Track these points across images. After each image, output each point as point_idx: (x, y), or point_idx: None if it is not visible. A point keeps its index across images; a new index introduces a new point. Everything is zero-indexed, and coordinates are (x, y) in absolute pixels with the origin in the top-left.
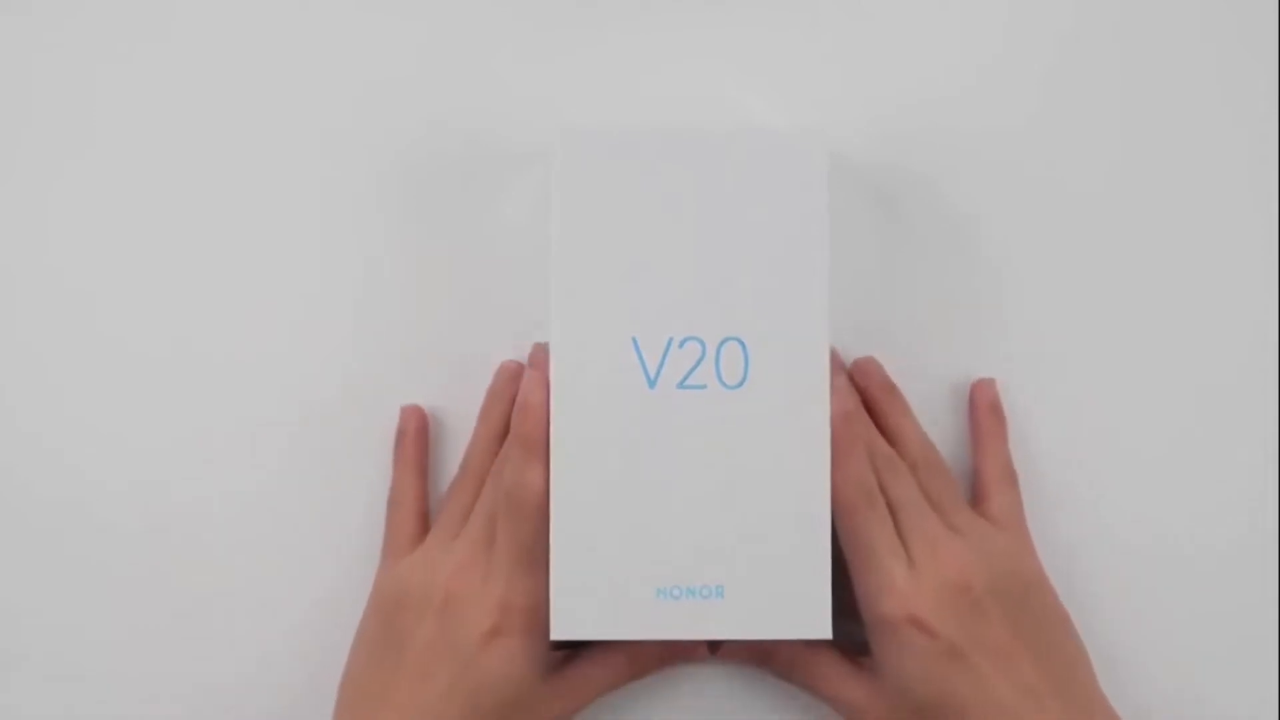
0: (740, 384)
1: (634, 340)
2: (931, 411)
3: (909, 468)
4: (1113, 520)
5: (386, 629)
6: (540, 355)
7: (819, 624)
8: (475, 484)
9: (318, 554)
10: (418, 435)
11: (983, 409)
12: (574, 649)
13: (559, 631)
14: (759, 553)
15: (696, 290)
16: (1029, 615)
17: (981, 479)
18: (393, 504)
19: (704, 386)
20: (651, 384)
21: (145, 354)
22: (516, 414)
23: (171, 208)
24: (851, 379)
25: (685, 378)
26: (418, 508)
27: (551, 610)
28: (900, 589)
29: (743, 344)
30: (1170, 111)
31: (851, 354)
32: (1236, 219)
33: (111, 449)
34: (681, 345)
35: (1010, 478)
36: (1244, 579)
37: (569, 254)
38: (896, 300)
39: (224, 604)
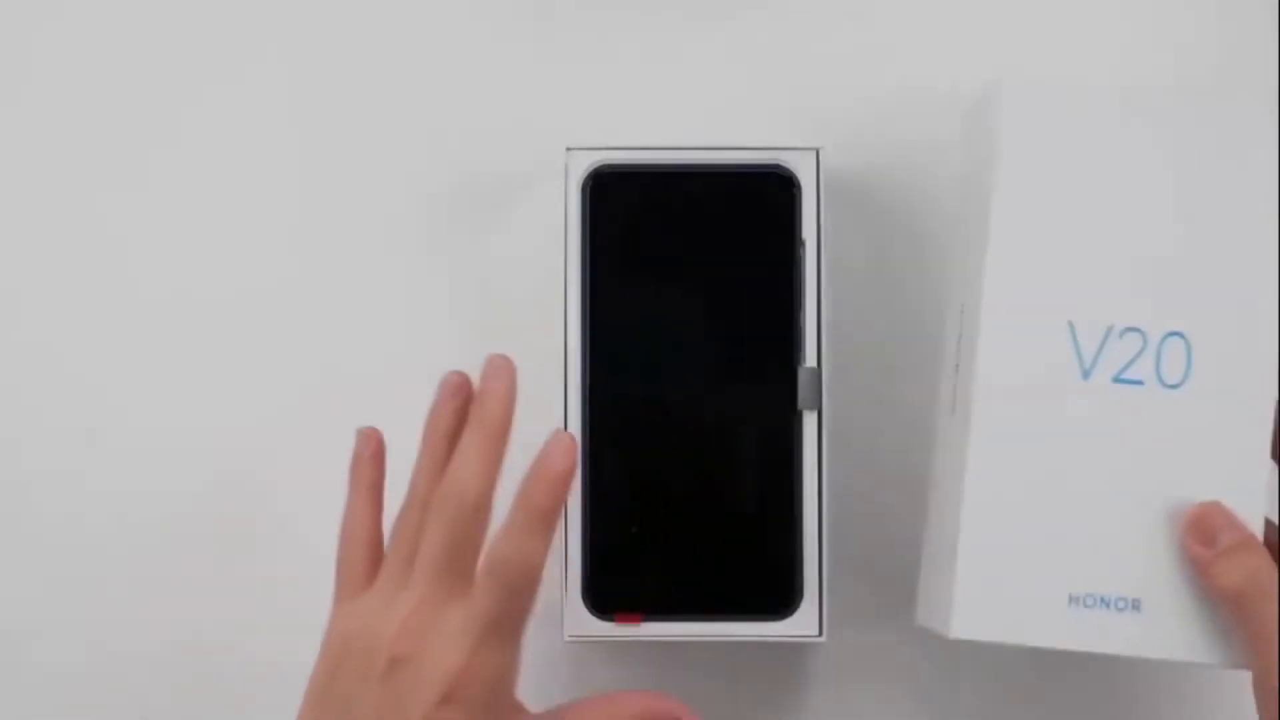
0: (1180, 383)
1: (1070, 326)
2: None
3: None
4: None
5: (329, 686)
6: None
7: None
8: (422, 516)
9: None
10: (374, 460)
11: None
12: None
13: (959, 630)
14: (1183, 570)
15: (1142, 276)
16: None
17: None
18: (344, 536)
19: (1141, 383)
20: (1085, 375)
21: (136, 375)
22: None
23: (167, 228)
24: None
25: (1122, 371)
26: (370, 541)
27: (953, 609)
28: None
29: (1186, 340)
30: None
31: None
32: (1241, 216)
33: (111, 467)
34: (1121, 336)
35: None
36: None
37: (1008, 219)
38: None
39: (211, 626)
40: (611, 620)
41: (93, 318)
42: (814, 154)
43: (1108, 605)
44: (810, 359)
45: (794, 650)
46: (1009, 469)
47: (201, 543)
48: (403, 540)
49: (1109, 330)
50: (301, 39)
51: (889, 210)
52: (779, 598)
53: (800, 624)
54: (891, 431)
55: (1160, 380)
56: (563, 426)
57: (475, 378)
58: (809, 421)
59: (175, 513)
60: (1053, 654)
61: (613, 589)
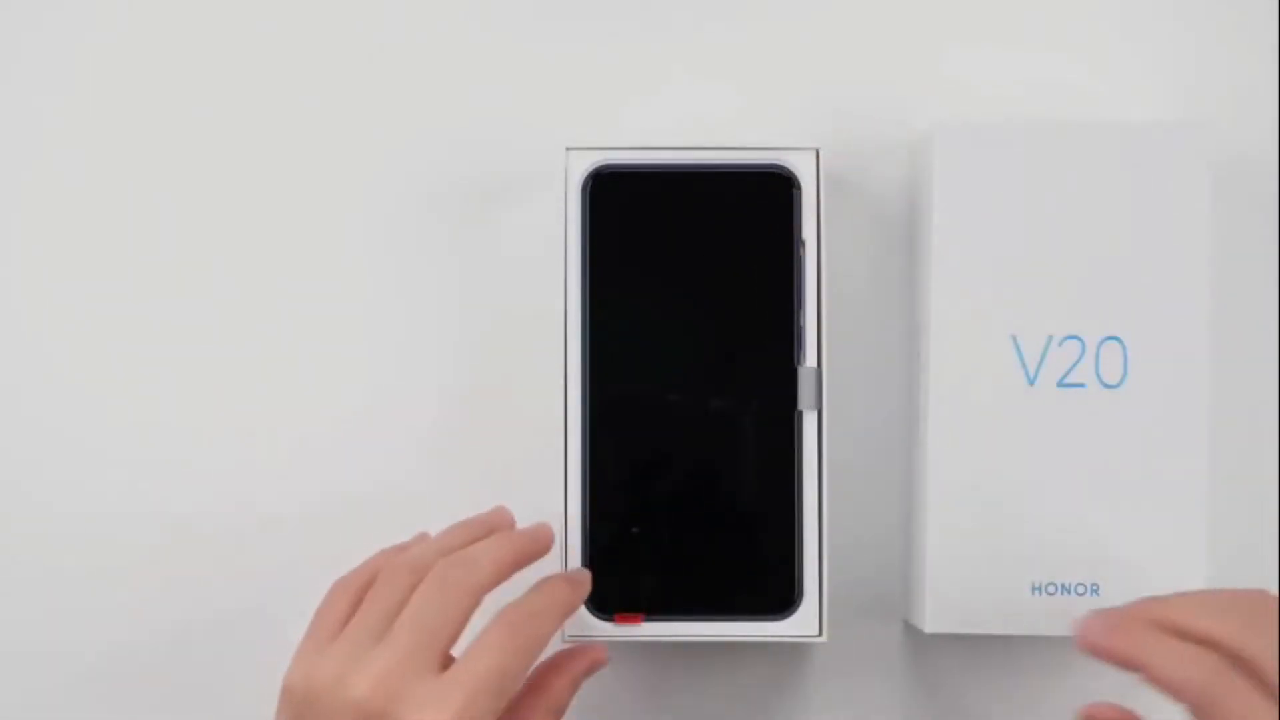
0: (1120, 383)
1: (1013, 338)
2: None
3: None
4: None
5: None
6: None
7: None
8: (413, 585)
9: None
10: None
11: None
12: None
13: (933, 625)
14: (1133, 554)
15: (1076, 288)
16: None
17: None
18: (339, 581)
19: (1083, 385)
20: (1031, 382)
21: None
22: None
23: (164, 230)
24: None
25: (1064, 375)
26: (361, 591)
27: (926, 606)
28: None
29: (1122, 343)
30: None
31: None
32: (1241, 213)
33: (105, 471)
34: (1061, 344)
35: None
36: None
37: (948, 248)
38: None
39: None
40: (612, 620)
41: (90, 318)
42: (814, 154)
43: (1068, 591)
44: (810, 359)
45: (794, 650)
46: (967, 473)
47: (197, 547)
48: (386, 594)
49: (1049, 339)
50: (301, 38)
51: (889, 210)
52: (779, 598)
53: (800, 624)
54: (891, 431)
55: (1100, 382)
56: (563, 427)
57: (477, 379)
58: (809, 421)
59: (170, 514)
60: (1025, 641)
61: (613, 589)
